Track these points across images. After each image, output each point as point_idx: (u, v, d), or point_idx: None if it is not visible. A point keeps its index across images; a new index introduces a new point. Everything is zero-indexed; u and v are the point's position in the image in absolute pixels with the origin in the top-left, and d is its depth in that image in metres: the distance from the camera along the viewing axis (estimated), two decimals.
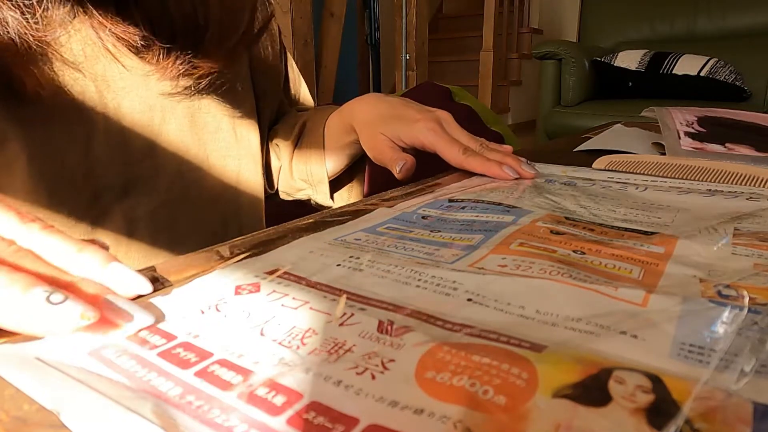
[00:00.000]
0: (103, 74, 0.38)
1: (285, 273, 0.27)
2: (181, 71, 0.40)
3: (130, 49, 0.38)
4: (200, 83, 0.42)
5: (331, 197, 0.61)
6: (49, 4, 0.34)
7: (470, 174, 0.50)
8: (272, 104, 0.59)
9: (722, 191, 0.43)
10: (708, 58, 2.17)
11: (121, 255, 0.41)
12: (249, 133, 0.51)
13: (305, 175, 0.58)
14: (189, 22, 0.40)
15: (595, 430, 0.15)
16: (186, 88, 0.42)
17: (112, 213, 0.40)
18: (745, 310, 0.22)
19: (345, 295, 0.24)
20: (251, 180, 0.51)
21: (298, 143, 0.58)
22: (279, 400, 0.17)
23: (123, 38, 0.37)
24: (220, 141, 0.48)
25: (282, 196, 0.63)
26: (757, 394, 0.16)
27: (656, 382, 0.17)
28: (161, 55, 0.39)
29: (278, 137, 0.59)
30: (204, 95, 0.45)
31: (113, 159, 0.39)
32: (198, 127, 0.45)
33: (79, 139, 0.37)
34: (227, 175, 0.49)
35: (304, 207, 0.61)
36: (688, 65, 2.19)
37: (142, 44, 0.38)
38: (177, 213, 0.44)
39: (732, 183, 0.47)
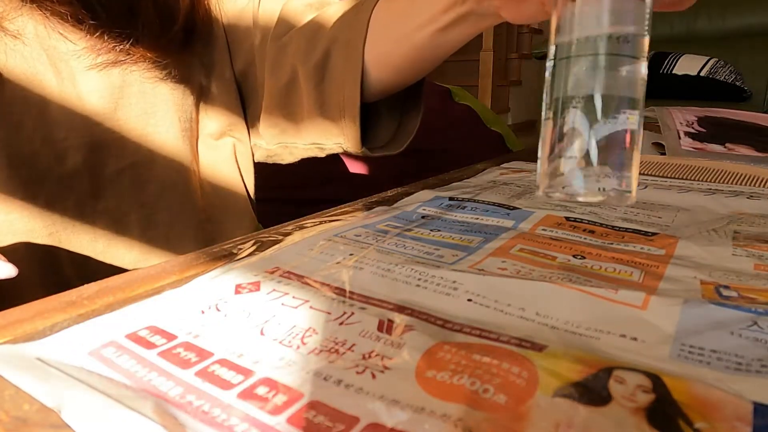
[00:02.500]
0: (56, 46, 0.39)
1: (285, 272, 0.27)
2: (112, 54, 0.41)
3: (62, 24, 0.39)
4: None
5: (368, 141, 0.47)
6: None
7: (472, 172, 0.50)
8: (244, 49, 0.50)
9: (722, 190, 0.43)
10: (708, 58, 2.17)
11: (87, 214, 0.42)
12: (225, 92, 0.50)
13: (337, 107, 0.45)
14: (121, 5, 0.41)
15: (595, 430, 0.15)
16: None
17: (79, 174, 0.41)
18: (746, 311, 0.22)
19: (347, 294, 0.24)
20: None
21: (326, 69, 0.45)
22: (279, 399, 0.17)
23: (56, 13, 0.39)
24: (188, 106, 0.47)
25: (288, 155, 0.52)
26: (757, 394, 0.16)
27: (656, 381, 0.17)
28: (91, 32, 0.40)
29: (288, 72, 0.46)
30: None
31: (73, 121, 0.40)
32: (164, 89, 0.45)
33: (34, 103, 0.39)
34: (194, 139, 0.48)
35: (304, 207, 0.60)
36: (688, 65, 2.19)
37: (74, 20, 0.39)
38: (146, 175, 0.45)
39: (732, 183, 0.47)
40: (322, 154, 0.50)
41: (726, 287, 0.24)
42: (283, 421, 0.16)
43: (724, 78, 2.13)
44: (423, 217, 0.36)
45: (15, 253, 0.38)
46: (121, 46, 0.41)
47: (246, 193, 0.53)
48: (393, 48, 0.42)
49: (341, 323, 0.21)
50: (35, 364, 0.19)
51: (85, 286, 0.26)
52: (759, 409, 0.16)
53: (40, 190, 0.39)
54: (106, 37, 0.40)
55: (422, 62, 0.43)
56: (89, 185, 0.42)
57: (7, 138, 0.38)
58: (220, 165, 0.51)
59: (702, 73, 2.15)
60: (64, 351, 0.20)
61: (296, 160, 0.52)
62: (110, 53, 0.41)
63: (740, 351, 0.19)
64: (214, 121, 0.50)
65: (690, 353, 0.19)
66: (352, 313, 0.22)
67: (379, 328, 0.21)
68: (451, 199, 0.41)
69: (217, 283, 0.25)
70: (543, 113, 0.25)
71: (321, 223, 0.35)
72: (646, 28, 0.23)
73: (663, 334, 0.20)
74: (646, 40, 0.23)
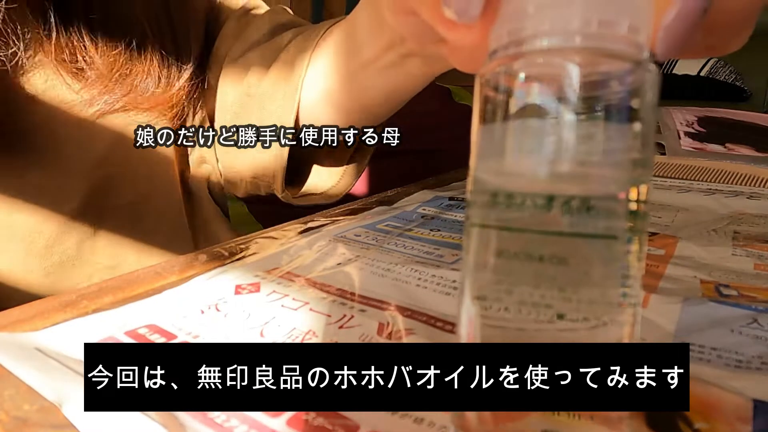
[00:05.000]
0: (63, 95, 0.39)
1: (285, 272, 0.27)
2: (115, 104, 0.40)
3: (68, 74, 0.39)
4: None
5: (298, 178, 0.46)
6: (20, 54, 0.35)
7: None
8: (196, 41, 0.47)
9: (722, 190, 0.43)
10: (708, 58, 2.17)
11: (86, 251, 0.41)
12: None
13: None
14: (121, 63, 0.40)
15: (595, 430, 0.15)
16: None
17: (79, 216, 0.40)
18: (746, 308, 0.21)
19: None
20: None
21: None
22: None
23: (61, 63, 0.38)
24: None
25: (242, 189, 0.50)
26: (757, 391, 0.16)
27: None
28: (91, 84, 0.39)
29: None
30: None
31: (74, 167, 0.40)
32: (168, 125, 0.45)
33: (35, 151, 0.38)
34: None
35: (304, 207, 0.59)
36: (687, 65, 2.19)
37: (74, 70, 0.39)
38: (144, 208, 0.44)
39: (732, 183, 0.47)
40: (262, 192, 0.48)
41: (726, 286, 0.24)
42: (283, 423, 0.16)
43: (724, 78, 2.13)
44: (423, 217, 0.36)
45: (11, 292, 0.38)
46: (121, 100, 0.40)
47: (225, 223, 0.53)
48: (339, 85, 0.40)
49: (341, 326, 0.21)
50: (34, 355, 0.19)
51: (85, 286, 0.26)
52: (759, 406, 0.16)
53: (39, 235, 0.38)
54: (104, 90, 0.40)
55: (373, 106, 0.40)
56: (89, 225, 0.41)
57: (8, 184, 0.37)
58: (200, 193, 0.51)
59: (702, 73, 2.15)
60: (63, 343, 0.19)
61: (246, 194, 0.51)
62: (111, 104, 0.40)
63: (740, 348, 0.19)
64: (195, 148, 0.49)
65: (690, 351, 0.19)
66: (352, 316, 0.22)
67: (379, 332, 0.21)
68: (451, 199, 0.41)
69: (217, 283, 0.25)
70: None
71: (321, 223, 0.35)
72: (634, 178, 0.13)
73: (663, 331, 0.20)
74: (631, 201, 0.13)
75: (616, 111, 0.12)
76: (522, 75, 0.13)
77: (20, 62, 0.36)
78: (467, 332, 0.14)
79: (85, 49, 0.39)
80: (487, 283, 0.13)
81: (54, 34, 0.37)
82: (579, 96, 0.12)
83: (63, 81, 0.39)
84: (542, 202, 0.12)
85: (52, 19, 0.37)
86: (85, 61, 0.39)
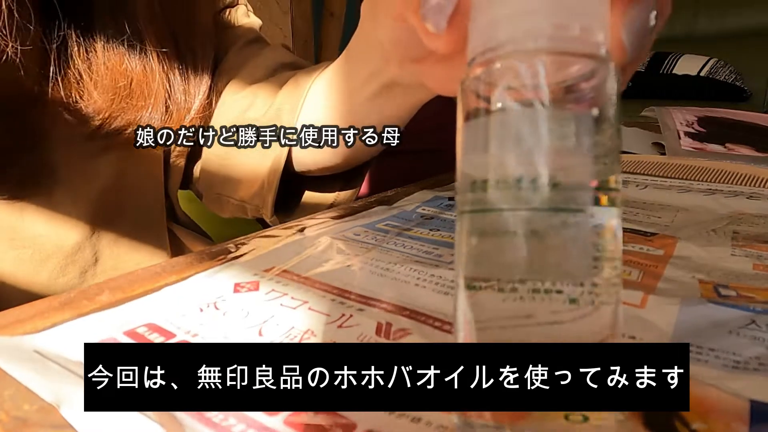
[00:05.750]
0: (66, 130, 0.39)
1: (284, 271, 0.27)
2: (117, 138, 0.41)
3: (66, 110, 0.39)
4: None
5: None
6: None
7: None
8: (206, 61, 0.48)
9: (722, 190, 0.43)
10: (708, 58, 2.17)
11: (88, 279, 0.42)
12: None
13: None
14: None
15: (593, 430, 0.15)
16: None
17: (81, 248, 0.41)
18: (744, 310, 0.22)
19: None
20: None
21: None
22: None
23: (60, 102, 0.38)
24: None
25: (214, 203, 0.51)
26: (755, 392, 0.16)
27: None
28: (90, 119, 0.40)
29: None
30: None
31: (77, 202, 0.40)
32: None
33: (40, 188, 0.38)
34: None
35: None
36: (688, 65, 2.19)
37: (74, 107, 0.39)
38: (143, 233, 0.45)
39: (732, 183, 0.47)
40: (248, 215, 0.49)
41: (725, 286, 0.24)
42: (281, 421, 0.16)
43: (724, 78, 2.13)
44: (422, 216, 0.36)
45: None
46: (123, 134, 0.40)
47: (200, 239, 0.53)
48: (332, 113, 0.40)
49: (340, 326, 0.21)
50: (33, 357, 0.19)
51: (86, 286, 0.26)
52: (756, 407, 0.16)
53: (43, 268, 0.39)
54: (104, 125, 0.40)
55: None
56: (91, 255, 0.42)
57: (11, 221, 0.38)
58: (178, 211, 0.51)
59: (702, 73, 2.15)
60: (62, 345, 0.20)
61: (231, 216, 0.51)
62: (112, 138, 0.40)
63: (738, 349, 0.19)
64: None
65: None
66: (351, 316, 0.22)
67: (377, 332, 0.21)
68: (450, 198, 0.41)
69: (216, 281, 0.25)
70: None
71: (320, 222, 0.35)
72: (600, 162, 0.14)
73: (661, 332, 0.20)
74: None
75: (581, 103, 0.14)
76: (494, 78, 0.15)
77: (27, 98, 0.37)
78: (463, 320, 0.15)
79: (83, 86, 0.39)
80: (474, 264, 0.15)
81: (51, 74, 0.37)
82: (546, 92, 0.14)
83: (63, 117, 0.39)
84: (515, 185, 0.14)
85: (52, 60, 0.37)
86: (81, 97, 0.39)
